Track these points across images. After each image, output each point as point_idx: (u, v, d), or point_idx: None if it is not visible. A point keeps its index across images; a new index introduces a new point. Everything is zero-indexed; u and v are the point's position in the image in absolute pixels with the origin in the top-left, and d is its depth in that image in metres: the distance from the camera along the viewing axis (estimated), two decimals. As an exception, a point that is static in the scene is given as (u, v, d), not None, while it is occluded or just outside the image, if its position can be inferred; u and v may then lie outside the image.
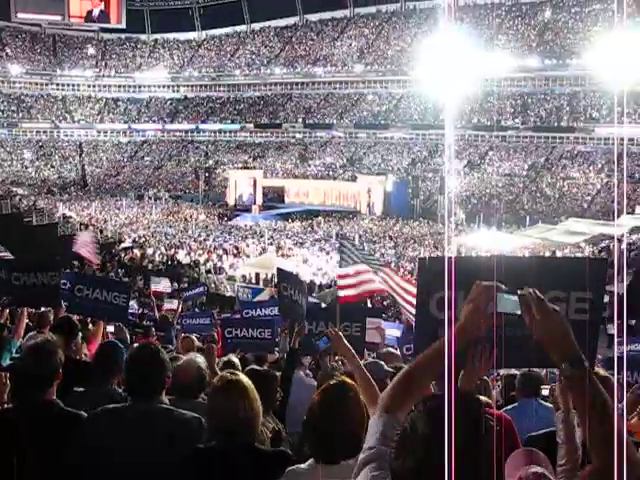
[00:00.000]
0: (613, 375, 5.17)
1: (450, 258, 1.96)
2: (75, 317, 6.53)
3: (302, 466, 2.48)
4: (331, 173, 55.63)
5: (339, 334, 3.56)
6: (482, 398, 4.03)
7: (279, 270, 8.43)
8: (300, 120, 63.20)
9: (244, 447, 2.71)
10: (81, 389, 3.88)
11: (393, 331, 9.41)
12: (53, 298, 6.39)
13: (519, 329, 2.21)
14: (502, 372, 6.62)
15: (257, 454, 2.73)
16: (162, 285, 18.66)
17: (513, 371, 5.79)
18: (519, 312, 1.76)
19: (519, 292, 1.78)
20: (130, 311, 11.74)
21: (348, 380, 2.62)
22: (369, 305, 22.17)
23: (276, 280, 6.65)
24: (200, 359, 3.91)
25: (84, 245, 12.60)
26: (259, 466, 2.67)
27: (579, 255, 27.03)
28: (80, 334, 5.49)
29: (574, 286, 2.16)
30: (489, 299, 1.80)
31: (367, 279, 6.97)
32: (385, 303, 23.35)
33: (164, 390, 3.14)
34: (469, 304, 1.85)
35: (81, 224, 35.29)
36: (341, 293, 7.18)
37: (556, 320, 1.78)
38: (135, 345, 3.50)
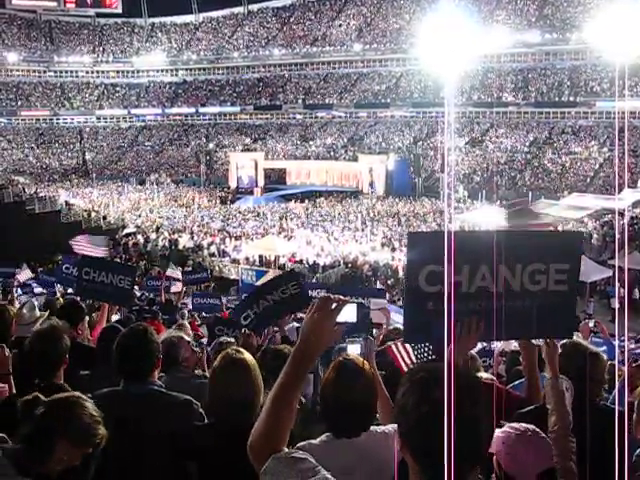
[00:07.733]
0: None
1: (449, 233, 1.98)
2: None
3: (314, 442, 2.45)
4: (332, 153, 55.51)
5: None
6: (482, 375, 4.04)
7: (287, 274, 7.98)
8: (300, 101, 62.94)
9: (245, 425, 2.70)
10: (87, 372, 3.93)
11: (397, 316, 9.29)
12: (124, 298, 6.70)
13: (519, 300, 2.25)
14: (501, 346, 6.66)
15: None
16: (176, 272, 19.08)
17: (514, 347, 5.82)
18: (354, 320, 1.80)
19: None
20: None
21: (358, 357, 2.61)
22: (379, 286, 22.23)
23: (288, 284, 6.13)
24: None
25: (83, 247, 12.79)
26: None
27: (582, 230, 27.02)
28: (87, 318, 5.55)
29: (553, 259, 2.28)
30: (335, 311, 1.75)
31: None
32: (389, 282, 23.45)
33: (156, 370, 3.14)
34: (313, 315, 1.75)
35: (84, 211, 35.32)
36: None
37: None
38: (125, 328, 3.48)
